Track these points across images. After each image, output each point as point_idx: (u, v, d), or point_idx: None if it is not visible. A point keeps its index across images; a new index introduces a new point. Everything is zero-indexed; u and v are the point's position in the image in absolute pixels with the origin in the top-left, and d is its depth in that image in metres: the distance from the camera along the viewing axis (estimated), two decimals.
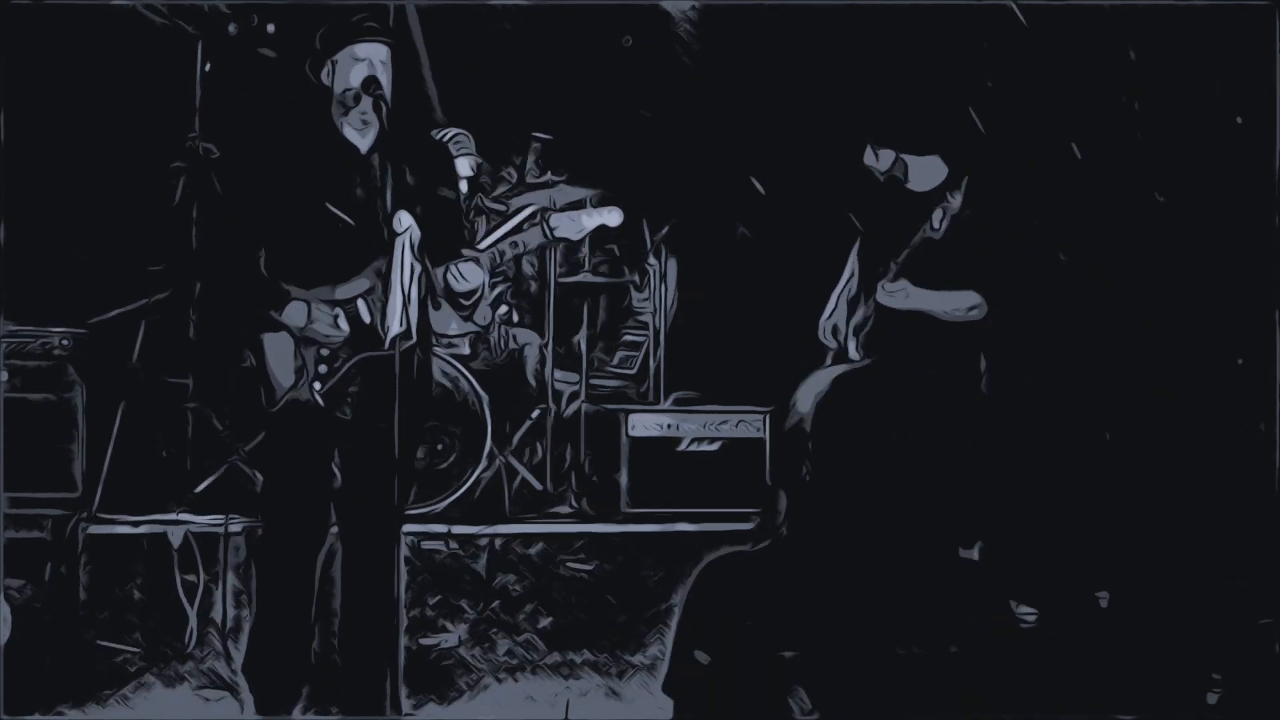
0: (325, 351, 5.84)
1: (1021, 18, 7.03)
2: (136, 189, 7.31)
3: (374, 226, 5.79)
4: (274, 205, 5.85)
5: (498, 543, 6.76)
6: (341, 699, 5.99)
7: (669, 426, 7.23)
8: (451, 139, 7.52)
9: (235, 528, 6.60)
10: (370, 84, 5.81)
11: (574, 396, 7.54)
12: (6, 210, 6.36)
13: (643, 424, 7.23)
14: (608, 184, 7.67)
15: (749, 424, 7.20)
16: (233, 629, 6.53)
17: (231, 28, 7.35)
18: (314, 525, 5.94)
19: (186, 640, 6.53)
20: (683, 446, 7.21)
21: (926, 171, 6.57)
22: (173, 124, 7.29)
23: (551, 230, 6.49)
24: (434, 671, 6.57)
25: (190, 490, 6.94)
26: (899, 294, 6.45)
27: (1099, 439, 7.03)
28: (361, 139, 5.91)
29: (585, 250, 7.66)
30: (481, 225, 7.60)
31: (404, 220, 5.79)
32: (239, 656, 6.36)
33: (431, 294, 5.85)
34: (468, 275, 5.84)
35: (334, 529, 5.98)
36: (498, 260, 6.39)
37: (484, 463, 7.15)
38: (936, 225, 6.31)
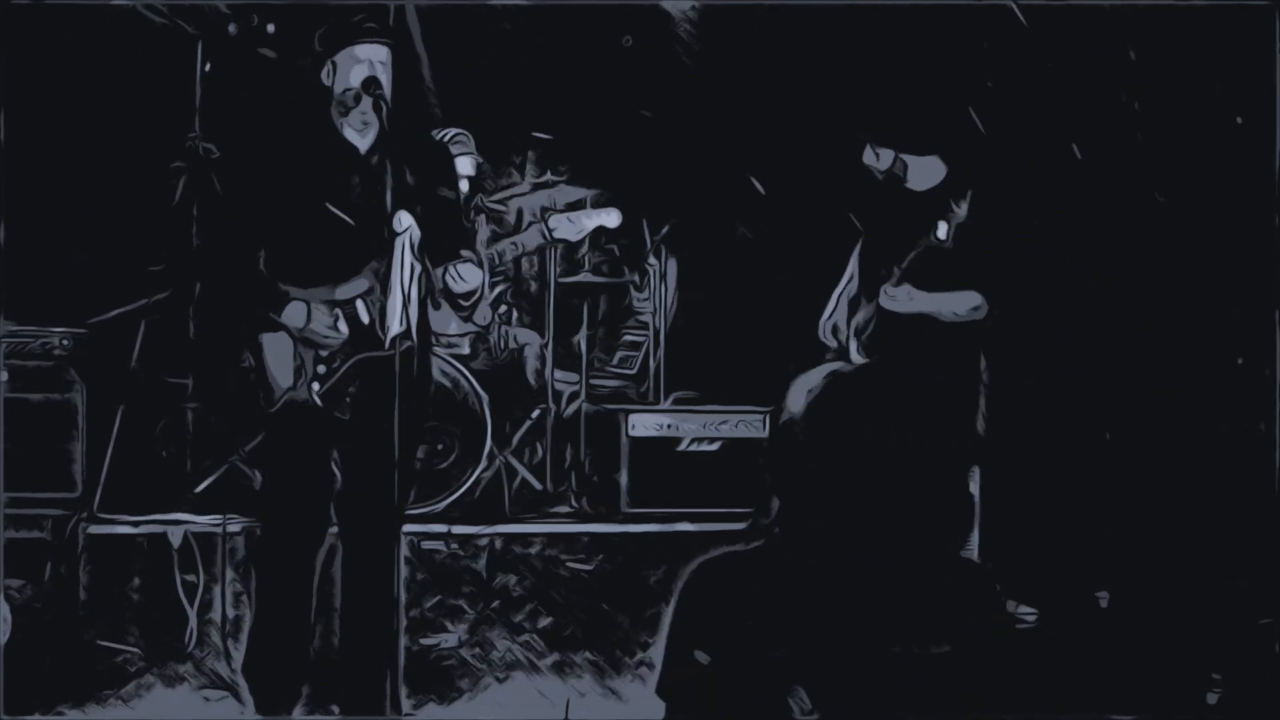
0: (324, 352, 5.83)
1: (1021, 18, 7.02)
2: (136, 189, 7.30)
3: (374, 227, 5.78)
4: (274, 205, 5.84)
5: (498, 543, 6.76)
6: (341, 699, 5.99)
7: (669, 426, 7.23)
8: (452, 139, 7.52)
9: (234, 528, 6.60)
10: (370, 84, 5.81)
11: (574, 396, 7.54)
12: (6, 210, 6.35)
13: (643, 424, 7.23)
14: (608, 184, 7.66)
15: (749, 424, 7.20)
16: (232, 629, 6.53)
17: (231, 28, 7.35)
18: (313, 525, 5.93)
19: (186, 640, 6.52)
20: (683, 446, 7.21)
21: (926, 171, 6.57)
22: (173, 124, 7.28)
23: (550, 231, 6.50)
24: (434, 671, 6.57)
25: (190, 490, 6.94)
26: (902, 298, 6.45)
27: (1099, 439, 7.02)
28: (361, 139, 5.91)
29: (585, 250, 7.66)
30: (482, 225, 7.60)
31: (404, 220, 5.78)
32: (239, 656, 6.36)
33: (431, 294, 5.84)
34: (466, 276, 5.83)
35: (334, 529, 5.98)
36: (497, 261, 6.40)
37: (484, 463, 7.15)
38: (943, 236, 6.29)
